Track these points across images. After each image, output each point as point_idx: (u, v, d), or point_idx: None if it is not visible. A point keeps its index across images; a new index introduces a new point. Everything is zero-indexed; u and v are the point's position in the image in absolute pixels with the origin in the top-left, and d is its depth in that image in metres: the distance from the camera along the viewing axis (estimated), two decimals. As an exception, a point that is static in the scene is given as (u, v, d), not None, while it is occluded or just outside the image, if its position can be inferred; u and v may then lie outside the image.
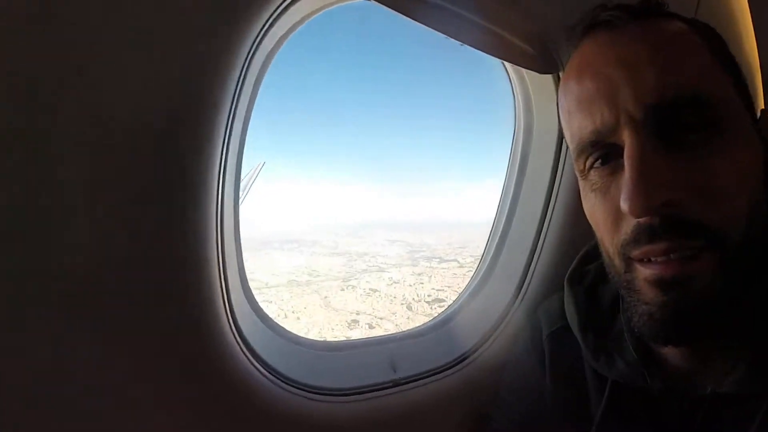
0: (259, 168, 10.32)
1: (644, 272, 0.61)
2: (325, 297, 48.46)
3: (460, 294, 1.43)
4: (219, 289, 0.82)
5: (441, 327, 1.34)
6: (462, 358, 1.23)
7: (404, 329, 1.35)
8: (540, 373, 0.96)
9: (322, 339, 1.24)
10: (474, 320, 1.32)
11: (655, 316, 0.60)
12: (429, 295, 48.50)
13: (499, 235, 1.38)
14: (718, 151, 0.58)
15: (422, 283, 51.50)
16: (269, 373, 0.95)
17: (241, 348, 0.88)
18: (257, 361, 0.92)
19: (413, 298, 47.35)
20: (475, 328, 1.28)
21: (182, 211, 0.73)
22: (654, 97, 0.58)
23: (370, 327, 41.06)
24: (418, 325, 1.37)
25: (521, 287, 1.28)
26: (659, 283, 0.59)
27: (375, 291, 49.91)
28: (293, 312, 44.37)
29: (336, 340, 1.50)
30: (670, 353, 0.72)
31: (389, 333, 1.32)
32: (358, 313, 44.43)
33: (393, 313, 44.61)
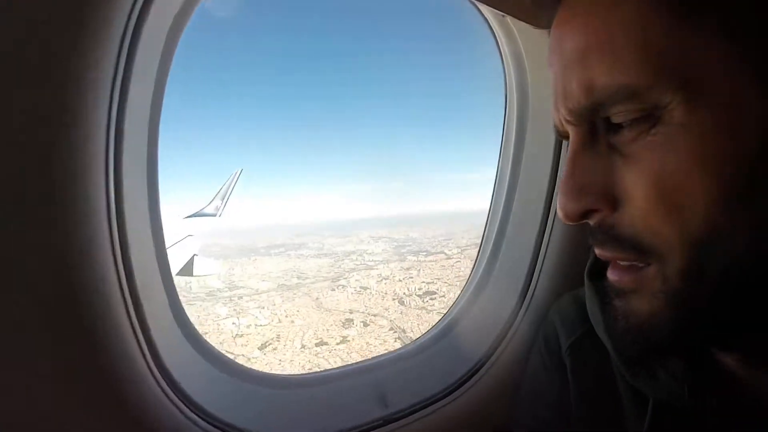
0: (236, 176, 10.13)
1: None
2: (317, 298, 49.04)
3: (455, 301, 1.21)
4: (124, 311, 0.66)
5: (436, 343, 1.12)
6: (464, 380, 1.02)
7: (391, 350, 1.11)
8: (562, 393, 0.81)
9: (287, 372, 1.03)
10: (475, 332, 1.11)
11: (619, 323, 0.55)
12: (420, 289, 49.24)
13: (496, 227, 1.18)
14: (651, 153, 0.49)
15: (412, 278, 52.29)
16: (199, 415, 0.77)
17: (157, 382, 0.72)
18: (182, 399, 0.75)
19: (404, 293, 48.06)
20: (477, 341, 1.08)
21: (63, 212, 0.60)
22: (576, 101, 0.52)
23: (365, 325, 41.54)
24: (407, 344, 1.14)
25: (527, 288, 1.09)
26: (612, 288, 0.55)
27: (365, 289, 50.45)
28: (287, 316, 44.70)
29: (307, 372, 1.21)
30: (731, 361, 0.59)
31: (374, 357, 1.09)
32: (351, 312, 45.05)
33: (386, 309, 45.24)
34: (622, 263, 0.52)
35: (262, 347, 39.41)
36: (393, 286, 49.32)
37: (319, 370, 1.12)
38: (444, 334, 1.14)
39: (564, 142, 1.01)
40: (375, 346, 37.60)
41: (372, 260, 61.02)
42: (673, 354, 0.61)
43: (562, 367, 0.81)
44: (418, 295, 46.48)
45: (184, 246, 8.12)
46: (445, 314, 1.21)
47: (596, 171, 0.51)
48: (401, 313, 43.87)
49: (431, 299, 45.49)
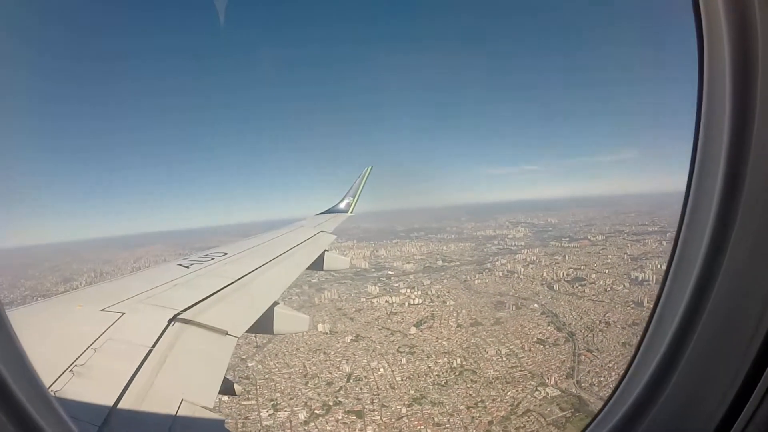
0: (366, 173, 13.77)
1: None
2: (465, 280, 51.84)
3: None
4: None
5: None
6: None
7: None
8: None
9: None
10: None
11: None
12: (568, 275, 49.64)
13: (714, 219, 1.32)
14: None
15: (558, 263, 52.92)
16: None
17: None
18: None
19: (552, 278, 48.87)
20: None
21: None
22: None
23: (517, 308, 43.34)
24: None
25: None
26: None
27: (512, 273, 52.03)
28: (438, 296, 48.05)
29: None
30: None
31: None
32: (501, 295, 47.18)
33: (536, 294, 46.81)
34: None
35: (417, 324, 42.65)
36: (540, 271, 50.55)
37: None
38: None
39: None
40: (529, 329, 39.05)
41: (514, 245, 61.86)
42: None
43: None
44: (567, 281, 47.27)
45: (318, 239, 9.29)
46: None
47: None
48: (551, 298, 44.81)
49: (580, 285, 45.86)
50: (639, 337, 1.83)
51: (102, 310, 3.96)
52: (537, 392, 31.60)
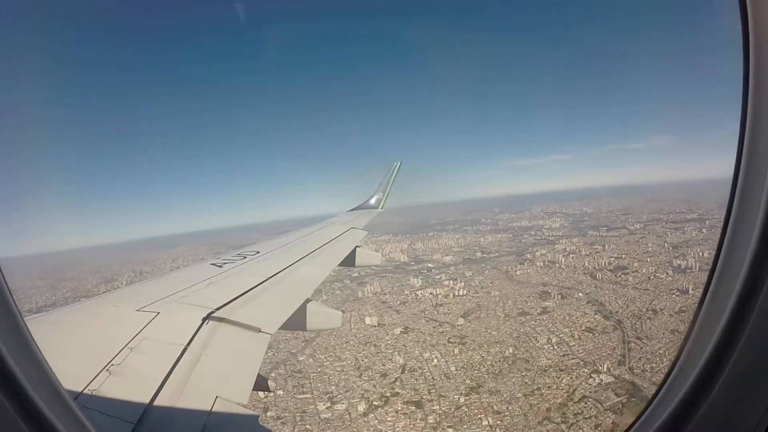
0: (396, 168, 14.88)
1: None
2: (506, 271, 52.57)
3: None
4: None
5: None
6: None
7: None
8: None
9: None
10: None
11: None
12: (609, 264, 49.98)
13: (764, 215, 1.34)
14: None
15: (598, 252, 53.19)
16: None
17: None
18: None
19: (594, 267, 49.24)
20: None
21: None
22: None
23: (562, 297, 43.96)
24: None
25: None
26: None
27: (553, 263, 52.59)
28: (482, 287, 48.84)
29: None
30: None
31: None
32: (544, 285, 47.81)
33: (579, 283, 47.33)
34: None
35: (464, 315, 43.73)
36: (581, 260, 51.12)
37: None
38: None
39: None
40: (577, 318, 39.89)
41: (552, 235, 62.30)
42: None
43: None
44: (609, 270, 47.77)
45: (349, 236, 9.19)
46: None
47: None
48: (595, 287, 45.38)
49: (623, 274, 46.36)
50: (684, 334, 1.82)
51: (137, 310, 4.08)
52: (591, 379, 32.51)
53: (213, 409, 2.73)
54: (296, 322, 5.05)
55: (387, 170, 15.01)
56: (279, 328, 4.38)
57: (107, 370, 2.90)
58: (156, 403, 2.65)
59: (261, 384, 4.36)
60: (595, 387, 31.76)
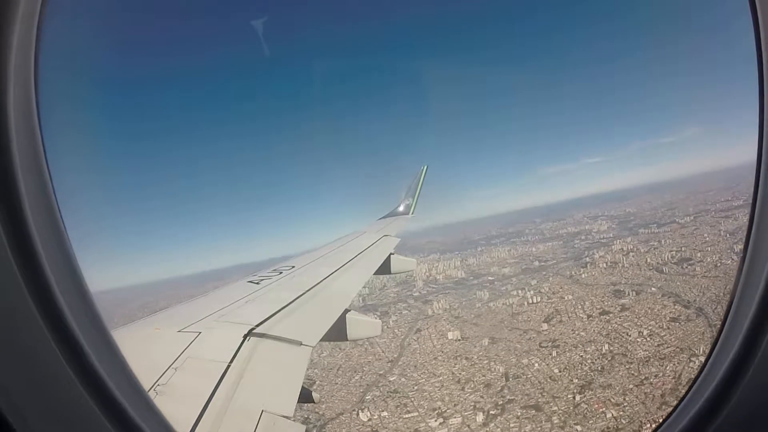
0: (423, 172, 14.78)
1: None
2: (571, 276, 54.35)
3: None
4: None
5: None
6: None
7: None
8: None
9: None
10: None
11: None
12: (672, 257, 51.88)
13: None
14: None
15: (656, 248, 54.90)
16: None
17: None
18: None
19: (658, 262, 51.05)
20: None
21: None
22: None
23: (636, 293, 45.58)
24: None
25: None
26: None
27: (615, 263, 54.46)
28: (553, 293, 50.53)
29: None
30: None
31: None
32: (614, 284, 49.48)
33: (648, 279, 48.98)
34: None
35: (546, 320, 45.57)
36: (642, 258, 53.44)
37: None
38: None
39: None
40: (658, 311, 41.98)
41: (603, 237, 64.63)
42: None
43: None
44: (674, 263, 50.09)
45: (382, 244, 9.18)
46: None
47: None
48: (665, 280, 47.43)
49: (689, 265, 48.50)
50: (714, 336, 1.88)
51: (179, 331, 4.10)
52: (692, 362, 34.56)
53: (259, 423, 2.80)
54: (337, 332, 5.12)
55: (413, 177, 14.93)
56: (320, 340, 4.48)
57: (153, 390, 2.93)
58: (203, 420, 2.72)
59: (305, 396, 4.45)
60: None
